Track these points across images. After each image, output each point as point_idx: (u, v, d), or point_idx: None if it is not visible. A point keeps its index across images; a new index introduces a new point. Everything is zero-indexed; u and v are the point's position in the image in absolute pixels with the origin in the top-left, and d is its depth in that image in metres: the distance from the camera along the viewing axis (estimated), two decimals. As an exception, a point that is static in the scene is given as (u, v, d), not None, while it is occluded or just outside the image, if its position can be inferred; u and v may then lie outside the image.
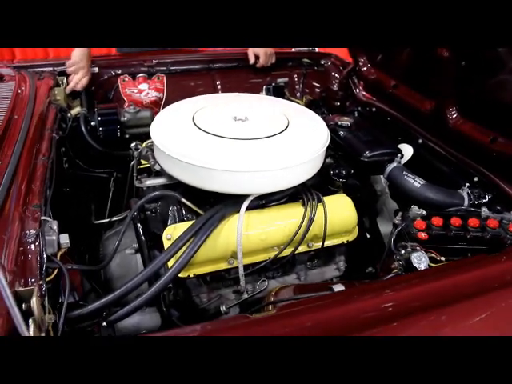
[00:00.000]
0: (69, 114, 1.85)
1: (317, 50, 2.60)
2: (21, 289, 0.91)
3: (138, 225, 1.50)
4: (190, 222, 1.36)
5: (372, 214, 1.90)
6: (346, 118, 1.75)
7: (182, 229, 1.34)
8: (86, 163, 1.92)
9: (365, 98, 2.28)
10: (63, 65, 2.12)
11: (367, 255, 1.77)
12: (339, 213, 1.50)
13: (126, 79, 2.18)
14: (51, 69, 2.09)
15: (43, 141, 1.46)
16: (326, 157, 1.58)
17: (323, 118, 1.76)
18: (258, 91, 2.34)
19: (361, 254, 1.71)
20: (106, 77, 2.23)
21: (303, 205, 1.45)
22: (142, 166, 1.71)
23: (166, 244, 1.36)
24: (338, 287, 1.05)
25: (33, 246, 1.06)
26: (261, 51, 2.33)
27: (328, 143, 1.48)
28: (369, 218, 1.89)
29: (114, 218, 1.83)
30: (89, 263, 1.70)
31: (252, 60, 2.37)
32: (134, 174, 1.72)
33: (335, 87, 2.47)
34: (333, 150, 1.75)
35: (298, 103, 2.35)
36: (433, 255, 1.23)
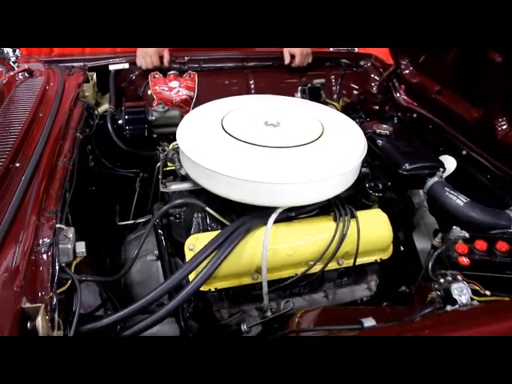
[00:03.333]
0: (96, 112, 1.80)
1: (356, 50, 2.47)
2: (27, 305, 0.86)
3: (160, 231, 1.43)
4: (214, 233, 1.29)
5: (408, 228, 1.78)
6: (384, 126, 1.63)
7: (205, 239, 1.27)
8: (112, 162, 1.87)
9: (405, 103, 2.15)
10: (95, 60, 2.08)
11: (401, 272, 1.66)
12: (373, 229, 1.39)
13: (157, 76, 2.12)
14: (82, 64, 2.05)
15: (66, 141, 1.41)
16: (362, 165, 1.48)
17: (360, 124, 1.65)
18: (292, 92, 2.25)
19: (394, 271, 1.59)
20: (136, 73, 2.18)
21: (335, 219, 1.35)
22: (168, 168, 1.65)
23: (188, 254, 1.30)
24: (369, 322, 0.95)
25: (45, 256, 1.01)
26: (297, 51, 2.23)
27: (365, 154, 1.38)
28: (404, 233, 1.77)
29: (138, 220, 1.79)
30: (109, 267, 1.65)
31: (287, 60, 2.26)
32: (160, 177, 1.66)
33: (374, 90, 2.34)
34: (369, 158, 1.64)
35: (334, 106, 2.26)
36: (476, 288, 1.11)
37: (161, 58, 2.13)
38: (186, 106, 2.14)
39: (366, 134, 1.57)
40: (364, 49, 2.53)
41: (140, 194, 1.92)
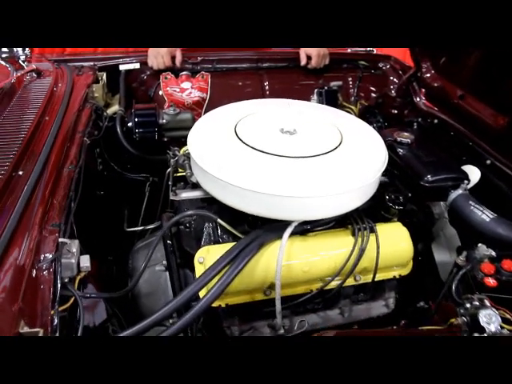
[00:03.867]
0: (105, 113, 1.74)
1: (375, 51, 2.38)
2: (25, 330, 0.80)
3: (169, 242, 1.37)
4: (225, 246, 1.23)
5: (427, 240, 1.70)
6: (406, 134, 1.55)
7: (215, 253, 1.21)
8: (121, 166, 1.81)
9: (426, 108, 2.07)
10: (105, 60, 2.02)
11: (419, 286, 1.59)
12: (393, 245, 1.32)
13: (169, 77, 2.05)
14: (92, 64, 1.99)
15: (72, 146, 1.35)
16: (382, 175, 1.41)
17: (379, 130, 1.58)
18: (308, 94, 2.17)
19: (412, 286, 1.52)
20: (148, 73, 2.12)
21: (353, 234, 1.28)
22: (178, 174, 1.59)
23: (198, 268, 1.24)
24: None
25: (46, 273, 0.96)
26: (313, 51, 2.15)
27: (385, 166, 1.31)
28: (423, 244, 1.69)
29: (147, 227, 1.73)
30: (116, 276, 1.59)
31: (304, 61, 2.18)
32: (170, 183, 1.60)
33: (393, 93, 2.25)
34: (389, 166, 1.56)
35: (351, 109, 2.18)
36: (508, 316, 1.03)
37: (173, 58, 2.06)
38: (198, 108, 2.07)
39: (386, 141, 1.49)
40: (383, 50, 2.45)
41: (150, 198, 1.86)
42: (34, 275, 0.92)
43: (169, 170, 1.58)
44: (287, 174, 1.20)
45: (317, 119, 1.49)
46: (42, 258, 0.96)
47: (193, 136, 1.35)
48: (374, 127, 2.13)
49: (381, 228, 1.32)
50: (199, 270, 1.23)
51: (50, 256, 0.97)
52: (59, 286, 0.95)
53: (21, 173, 1.14)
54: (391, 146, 1.55)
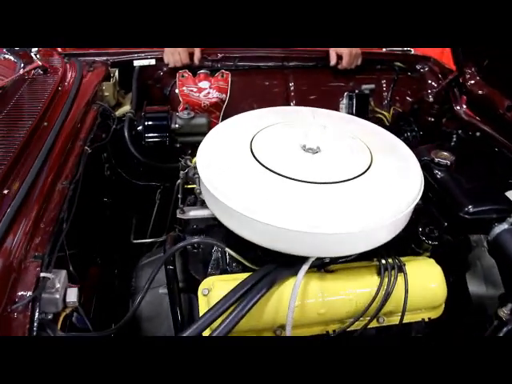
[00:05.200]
0: (113, 114, 1.61)
1: (412, 51, 2.17)
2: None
3: (170, 267, 1.25)
4: (232, 278, 1.10)
5: (461, 268, 1.52)
6: (445, 154, 1.36)
7: (221, 287, 1.08)
8: (129, 173, 1.67)
9: (467, 117, 1.87)
10: (119, 54, 1.89)
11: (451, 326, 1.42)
12: (424, 286, 1.16)
13: (186, 75, 1.90)
14: (105, 58, 1.86)
15: (70, 157, 1.22)
16: None
17: (415, 146, 1.40)
18: (338, 97, 2.00)
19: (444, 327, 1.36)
20: (165, 69, 1.97)
21: (378, 273, 1.12)
22: (189, 186, 1.45)
23: (201, 300, 1.11)
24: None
25: (21, 317, 0.83)
26: (345, 51, 1.96)
27: (421, 195, 1.14)
28: (457, 273, 1.52)
29: (155, 239, 1.61)
30: (117, 295, 1.47)
31: (334, 61, 1.99)
32: (179, 196, 1.46)
33: (431, 99, 2.05)
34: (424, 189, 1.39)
35: (383, 115, 2.00)
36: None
37: (191, 54, 1.91)
38: (216, 110, 1.92)
39: (421, 160, 1.32)
40: (422, 50, 2.23)
41: (161, 206, 1.73)
42: (5, 319, 0.80)
43: (178, 181, 1.45)
44: (305, 204, 1.04)
45: (344, 134, 1.32)
46: (17, 298, 0.85)
47: (203, 151, 1.21)
48: (408, 136, 1.96)
49: (411, 266, 1.15)
50: (203, 304, 1.10)
51: (28, 294, 0.85)
52: (35, 329, 0.83)
53: (6, 192, 1.01)
54: (427, 167, 1.38)
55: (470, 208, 1.23)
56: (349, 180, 1.11)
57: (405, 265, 1.13)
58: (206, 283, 1.13)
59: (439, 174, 1.34)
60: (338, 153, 1.22)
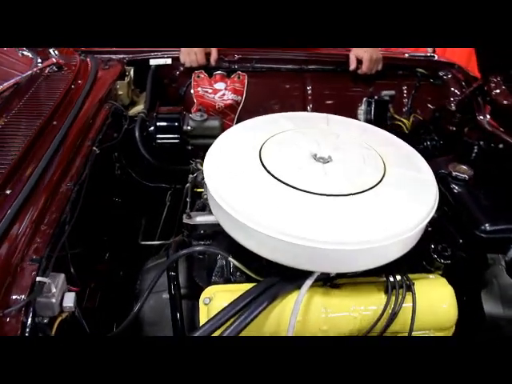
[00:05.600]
0: (125, 113, 1.59)
1: (436, 57, 2.10)
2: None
3: (172, 274, 1.23)
4: (236, 288, 1.07)
5: (476, 286, 1.46)
6: (463, 168, 1.31)
7: (223, 297, 1.06)
8: (140, 174, 1.66)
9: (490, 128, 1.79)
10: (135, 53, 1.87)
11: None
12: (433, 306, 1.11)
13: (201, 76, 1.87)
14: (121, 56, 1.85)
15: (77, 157, 1.20)
16: None
17: (434, 155, 1.35)
18: (356, 103, 1.94)
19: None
20: (181, 69, 1.95)
21: (386, 291, 1.08)
22: (199, 190, 1.43)
23: (202, 309, 1.09)
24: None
25: (14, 321, 0.82)
26: (365, 55, 1.90)
27: (434, 212, 1.09)
28: (471, 291, 1.46)
29: (163, 242, 1.59)
30: (121, 297, 1.46)
31: (353, 65, 1.94)
32: (188, 200, 1.44)
33: (453, 107, 1.98)
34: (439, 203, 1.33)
35: (403, 123, 1.94)
36: None
37: (208, 54, 1.88)
38: (230, 112, 1.89)
39: (438, 173, 1.27)
40: (445, 54, 2.16)
41: (171, 208, 1.71)
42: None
43: (187, 185, 1.43)
44: (311, 217, 1.00)
45: (358, 143, 1.28)
46: (11, 302, 0.83)
47: (210, 157, 1.18)
48: (427, 145, 1.90)
49: (420, 285, 1.10)
50: (203, 313, 1.08)
51: (22, 299, 0.84)
52: (27, 334, 0.82)
53: (8, 192, 1.00)
54: (444, 180, 1.32)
55: (487, 226, 1.18)
56: (358, 193, 1.07)
57: (414, 284, 1.08)
58: (207, 292, 1.11)
59: (456, 189, 1.29)
60: (349, 163, 1.17)
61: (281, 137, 1.27)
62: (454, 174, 1.29)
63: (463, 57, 2.20)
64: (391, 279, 1.08)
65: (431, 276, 1.17)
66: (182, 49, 1.86)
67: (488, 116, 1.83)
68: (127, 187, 1.64)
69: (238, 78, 1.89)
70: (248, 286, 1.08)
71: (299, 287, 1.03)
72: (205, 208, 1.35)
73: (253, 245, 1.04)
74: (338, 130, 1.35)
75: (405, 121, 1.97)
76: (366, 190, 1.08)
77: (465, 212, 1.23)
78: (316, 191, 1.05)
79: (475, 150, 1.70)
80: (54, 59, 1.55)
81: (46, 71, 1.53)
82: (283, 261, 1.02)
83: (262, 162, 1.14)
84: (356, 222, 1.01)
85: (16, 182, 1.03)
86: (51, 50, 1.82)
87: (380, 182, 1.12)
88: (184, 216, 1.31)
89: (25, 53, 1.69)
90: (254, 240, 1.03)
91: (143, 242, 1.60)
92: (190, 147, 1.62)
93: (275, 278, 1.05)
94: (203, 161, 1.38)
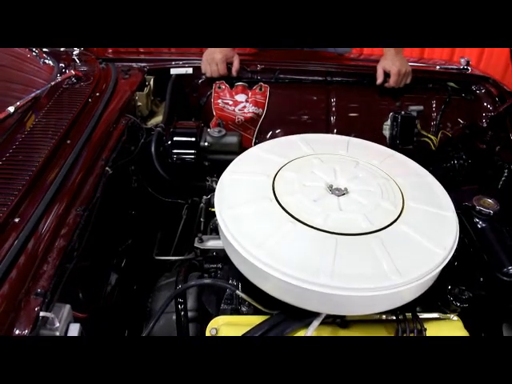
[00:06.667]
0: (143, 127, 1.57)
1: (469, 70, 2.00)
2: None
3: (180, 301, 1.21)
4: (243, 323, 1.05)
5: (496, 322, 1.39)
6: (489, 201, 1.23)
7: (228, 331, 1.05)
8: (156, 189, 1.64)
9: (524, 149, 1.70)
10: (156, 61, 1.85)
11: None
12: (448, 351, 1.06)
13: (222, 86, 1.84)
14: (143, 65, 1.83)
15: (89, 178, 1.19)
16: None
17: (458, 177, 1.27)
18: (382, 118, 1.87)
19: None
20: (203, 77, 1.91)
21: (396, 333, 1.04)
22: (213, 209, 1.41)
23: (208, 339, 1.06)
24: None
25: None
26: (393, 69, 1.82)
27: (453, 252, 1.03)
28: (490, 328, 1.39)
29: (177, 258, 1.57)
30: (132, 315, 1.45)
31: (380, 79, 1.86)
32: (202, 220, 1.42)
33: (484, 124, 1.89)
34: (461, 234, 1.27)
35: (430, 139, 1.86)
36: None
37: (229, 64, 1.84)
38: (251, 125, 1.85)
39: (459, 206, 1.21)
40: (479, 66, 2.05)
41: (187, 221, 1.69)
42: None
43: (201, 205, 1.41)
44: (321, 258, 0.96)
45: (377, 173, 1.22)
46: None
47: (220, 186, 1.16)
48: (454, 164, 1.82)
49: (433, 329, 1.06)
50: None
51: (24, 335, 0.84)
52: None
53: (17, 220, 1.00)
54: (466, 212, 1.26)
55: (511, 269, 1.11)
56: (371, 233, 1.02)
57: (426, 329, 1.03)
58: (214, 323, 1.09)
59: (480, 224, 1.22)
60: (365, 197, 1.12)
61: (297, 163, 1.23)
62: (477, 208, 1.22)
63: (498, 69, 2.09)
64: (402, 323, 1.04)
65: (447, 318, 1.12)
66: (204, 58, 1.83)
67: (522, 136, 1.74)
68: (143, 201, 1.63)
69: (260, 89, 1.84)
70: (255, 318, 1.07)
71: (307, 326, 1.00)
72: (218, 229, 1.33)
73: (259, 283, 1.01)
74: (357, 156, 1.30)
75: (432, 137, 1.88)
76: (380, 229, 1.03)
77: (487, 251, 1.17)
78: (328, 229, 1.01)
79: (505, 174, 1.62)
80: (72, 71, 1.53)
81: (65, 83, 1.51)
82: (290, 301, 0.98)
83: (274, 193, 1.11)
84: (364, 265, 0.96)
85: (25, 209, 1.03)
86: (74, 56, 1.82)
87: (397, 219, 1.07)
88: (196, 240, 1.29)
89: (46, 61, 1.69)
90: (260, 279, 1.00)
91: (158, 257, 1.58)
92: (207, 163, 1.59)
93: (281, 316, 1.03)
94: (218, 179, 1.36)
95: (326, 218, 1.04)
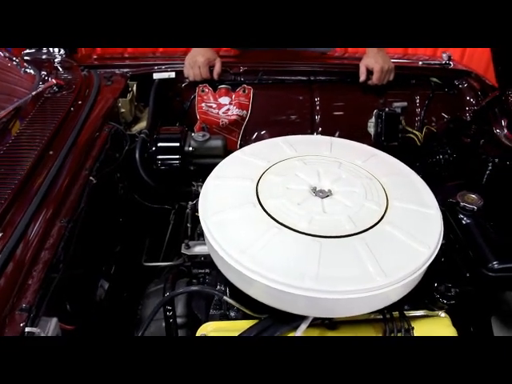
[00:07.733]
0: (127, 134, 1.56)
1: (451, 65, 2.01)
2: None
3: (169, 308, 1.21)
4: (232, 329, 1.06)
5: (485, 316, 1.40)
6: (472, 197, 1.24)
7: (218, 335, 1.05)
8: (142, 195, 1.64)
9: (507, 142, 1.71)
10: (140, 66, 1.85)
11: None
12: (435, 349, 1.07)
13: (206, 90, 1.83)
14: (125, 70, 1.82)
15: (73, 189, 1.18)
16: None
17: (444, 171, 1.28)
18: (366, 115, 1.87)
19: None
20: (187, 82, 1.91)
21: (384, 333, 1.04)
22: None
23: (198, 347, 1.06)
24: None
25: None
26: (376, 66, 1.83)
27: (438, 250, 1.04)
28: (479, 322, 1.41)
29: (167, 264, 1.57)
30: (122, 322, 1.45)
31: (363, 77, 1.86)
32: (189, 225, 1.42)
33: (468, 118, 1.90)
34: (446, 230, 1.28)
35: (415, 135, 1.87)
36: None
37: (212, 67, 1.83)
38: (235, 128, 1.84)
39: (444, 203, 1.22)
40: (462, 61, 2.07)
41: (175, 226, 1.69)
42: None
43: (187, 211, 1.40)
44: (305, 261, 0.96)
45: (361, 173, 1.23)
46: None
47: (204, 191, 1.16)
48: (439, 159, 1.83)
49: (420, 327, 1.06)
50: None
51: (9, 352, 0.83)
52: None
53: (0, 234, 0.99)
54: (451, 209, 1.27)
55: (495, 264, 1.12)
56: (355, 234, 1.02)
57: (413, 328, 1.04)
58: (203, 329, 1.09)
59: (464, 220, 1.23)
60: (349, 198, 1.13)
61: (281, 166, 1.23)
62: (461, 204, 1.23)
63: (481, 64, 2.10)
64: (389, 323, 1.05)
65: (435, 315, 1.13)
66: (186, 62, 1.82)
67: (505, 129, 1.75)
68: (131, 207, 1.63)
69: (244, 91, 1.84)
70: (244, 323, 1.07)
71: (295, 328, 1.01)
72: (205, 234, 1.33)
73: (245, 289, 1.01)
74: (341, 156, 1.30)
75: (417, 133, 1.89)
76: (364, 231, 1.04)
77: (471, 247, 1.18)
78: (313, 232, 1.02)
79: (489, 167, 1.63)
80: (54, 80, 1.52)
81: (47, 92, 1.50)
82: (277, 306, 0.99)
83: (258, 197, 1.11)
84: (348, 267, 0.96)
85: (8, 223, 1.02)
86: (56, 64, 1.81)
87: (381, 219, 1.07)
88: (182, 246, 1.29)
89: (28, 70, 1.68)
90: (246, 284, 1.00)
91: (146, 264, 1.58)
92: (192, 168, 1.58)
93: (269, 321, 1.03)
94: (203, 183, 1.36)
95: (310, 220, 1.04)
